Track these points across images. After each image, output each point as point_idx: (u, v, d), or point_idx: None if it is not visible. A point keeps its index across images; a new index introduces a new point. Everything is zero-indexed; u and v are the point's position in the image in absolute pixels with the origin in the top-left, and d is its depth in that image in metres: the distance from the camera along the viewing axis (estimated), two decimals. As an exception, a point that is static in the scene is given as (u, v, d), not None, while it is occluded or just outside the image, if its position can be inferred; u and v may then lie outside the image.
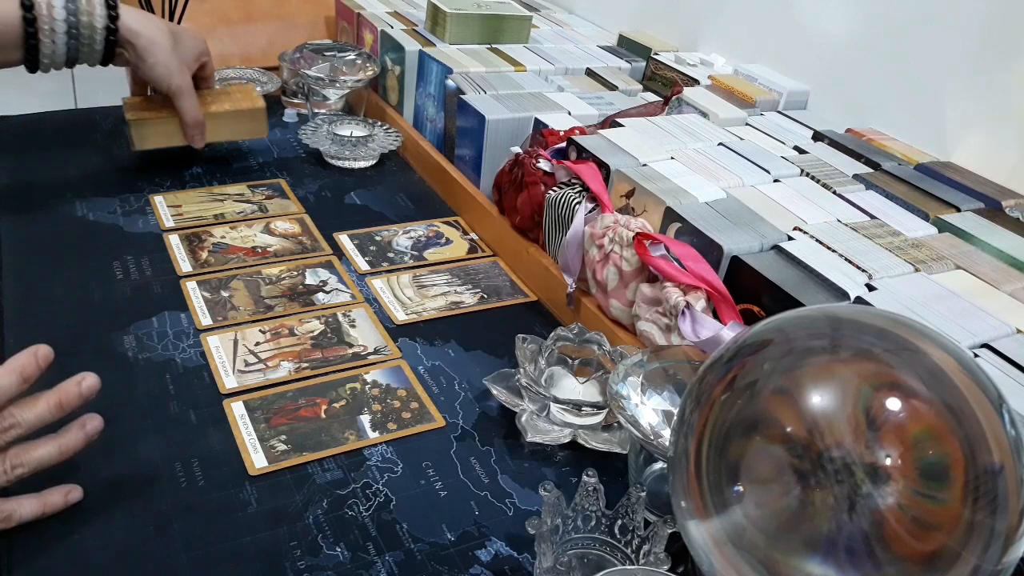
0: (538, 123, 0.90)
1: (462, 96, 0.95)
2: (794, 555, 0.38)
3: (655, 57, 1.09)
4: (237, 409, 0.64)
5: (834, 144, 0.86)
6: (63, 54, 0.81)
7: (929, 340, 0.41)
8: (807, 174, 0.79)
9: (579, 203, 0.76)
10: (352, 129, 1.06)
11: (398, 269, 0.85)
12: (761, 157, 0.81)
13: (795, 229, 0.69)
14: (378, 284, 0.82)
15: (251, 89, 1.00)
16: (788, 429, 0.39)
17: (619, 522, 0.54)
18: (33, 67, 0.81)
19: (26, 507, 0.51)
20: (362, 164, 1.05)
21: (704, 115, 0.92)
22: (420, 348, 0.74)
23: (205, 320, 0.73)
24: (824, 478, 0.37)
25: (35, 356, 0.50)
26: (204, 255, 0.82)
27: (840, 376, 0.40)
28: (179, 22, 1.06)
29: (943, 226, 0.72)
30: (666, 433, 0.54)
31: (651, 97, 1.03)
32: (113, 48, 0.83)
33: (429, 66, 1.04)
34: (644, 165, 0.78)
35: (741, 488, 0.40)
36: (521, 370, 0.65)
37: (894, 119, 0.90)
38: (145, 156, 0.97)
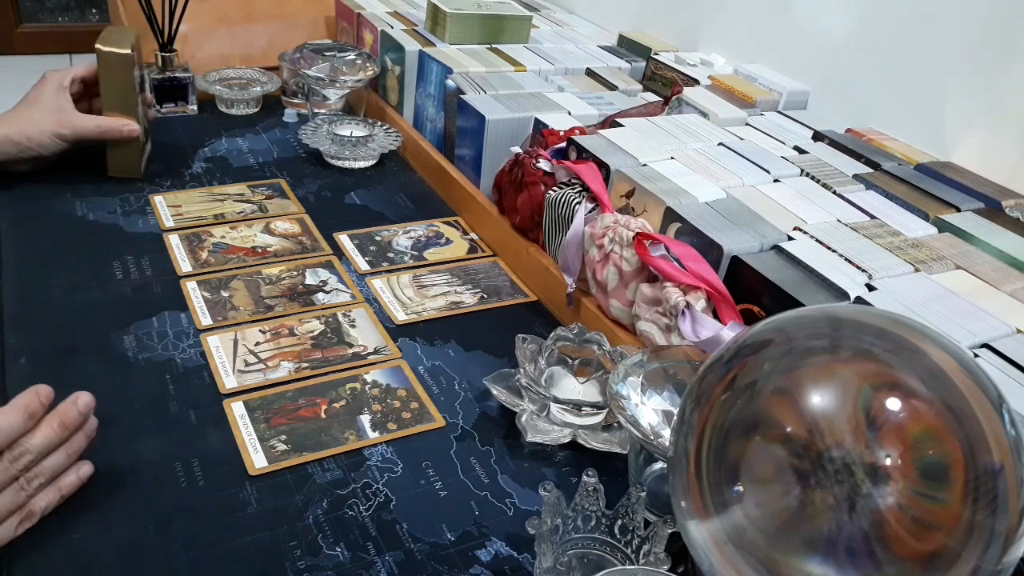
0: (538, 123, 0.90)
1: (462, 96, 0.95)
2: (794, 555, 0.38)
3: (655, 57, 1.09)
4: (237, 409, 0.64)
5: (834, 144, 0.86)
6: None
7: (929, 340, 0.41)
8: (807, 174, 0.79)
9: (579, 203, 0.76)
10: (352, 129, 1.06)
11: (398, 269, 0.85)
12: (761, 157, 0.81)
13: (795, 229, 0.69)
14: (378, 284, 0.82)
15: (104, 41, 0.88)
16: (788, 429, 0.39)
17: (619, 522, 0.54)
18: None
19: (44, 499, 0.52)
20: (362, 164, 1.05)
21: (704, 115, 0.92)
22: (420, 348, 0.74)
23: (205, 320, 0.73)
24: (824, 478, 0.37)
25: (37, 395, 0.52)
26: (204, 255, 0.82)
27: (840, 376, 0.40)
28: (179, 22, 1.06)
29: (943, 226, 0.72)
30: (666, 433, 0.54)
31: (651, 97, 1.03)
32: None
33: (429, 66, 1.04)
34: (644, 165, 0.78)
35: (741, 488, 0.40)
36: (521, 370, 0.65)
37: (894, 119, 0.90)
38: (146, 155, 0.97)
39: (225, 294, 0.77)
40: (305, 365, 0.70)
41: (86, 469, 0.55)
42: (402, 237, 0.91)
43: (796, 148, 0.85)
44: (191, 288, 0.77)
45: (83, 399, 0.54)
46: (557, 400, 0.64)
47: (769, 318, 0.46)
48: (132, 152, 0.92)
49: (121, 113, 0.89)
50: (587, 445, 0.63)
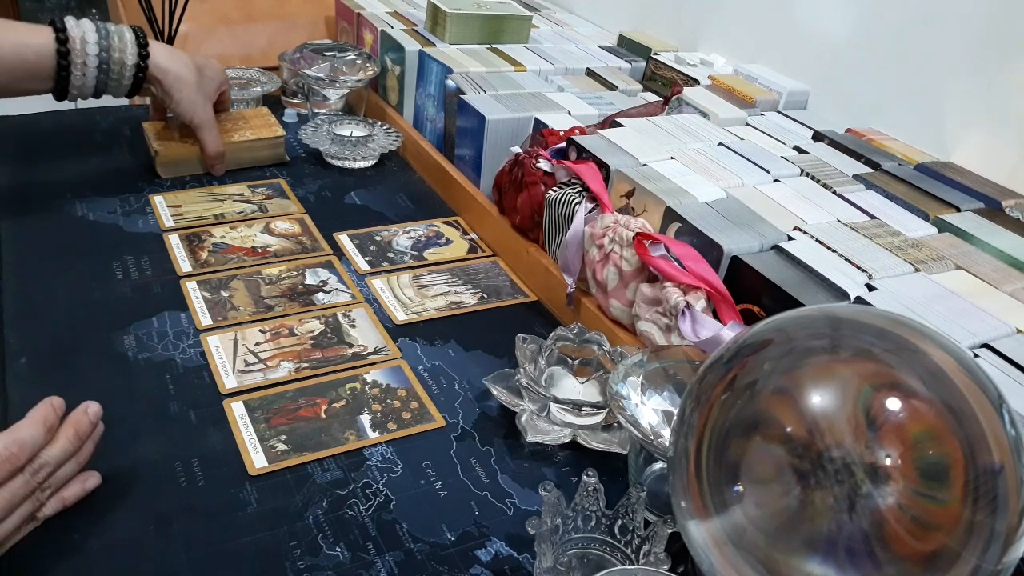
0: (538, 123, 0.90)
1: (462, 96, 0.95)
2: (794, 555, 0.38)
3: (655, 57, 1.09)
4: (237, 409, 0.64)
5: (834, 144, 0.86)
6: (92, 86, 0.84)
7: (929, 340, 0.41)
8: (807, 174, 0.79)
9: (579, 203, 0.76)
10: (352, 129, 1.06)
11: (398, 269, 0.85)
12: (761, 157, 0.81)
13: (795, 229, 0.69)
14: (378, 284, 0.82)
15: (268, 115, 1.03)
16: (788, 429, 0.39)
17: (619, 522, 0.54)
18: (61, 96, 0.84)
19: (49, 507, 0.52)
20: (362, 164, 1.05)
21: (704, 115, 0.92)
22: (420, 348, 0.74)
23: (205, 320, 0.73)
24: (824, 478, 0.37)
25: (52, 407, 0.53)
26: (204, 255, 0.82)
27: (840, 376, 0.40)
28: (179, 23, 1.06)
29: (943, 226, 0.72)
30: (666, 433, 0.54)
31: (651, 97, 1.03)
32: (140, 83, 0.86)
33: (429, 66, 1.04)
34: (644, 165, 0.78)
35: (741, 488, 0.40)
36: (521, 370, 0.65)
37: (894, 119, 0.90)
38: (145, 156, 0.97)
39: (225, 294, 0.77)
40: (305, 365, 0.70)
41: (92, 481, 0.55)
42: (402, 237, 0.91)
43: (796, 148, 0.85)
44: (191, 288, 0.77)
45: (92, 408, 0.55)
46: (557, 400, 0.64)
47: (769, 318, 0.46)
48: (184, 169, 0.96)
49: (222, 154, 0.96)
50: (587, 445, 0.63)
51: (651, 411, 0.56)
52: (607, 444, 0.63)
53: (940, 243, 0.69)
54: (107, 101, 0.99)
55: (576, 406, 0.63)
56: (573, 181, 0.79)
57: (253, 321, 0.74)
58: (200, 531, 0.54)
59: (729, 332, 0.60)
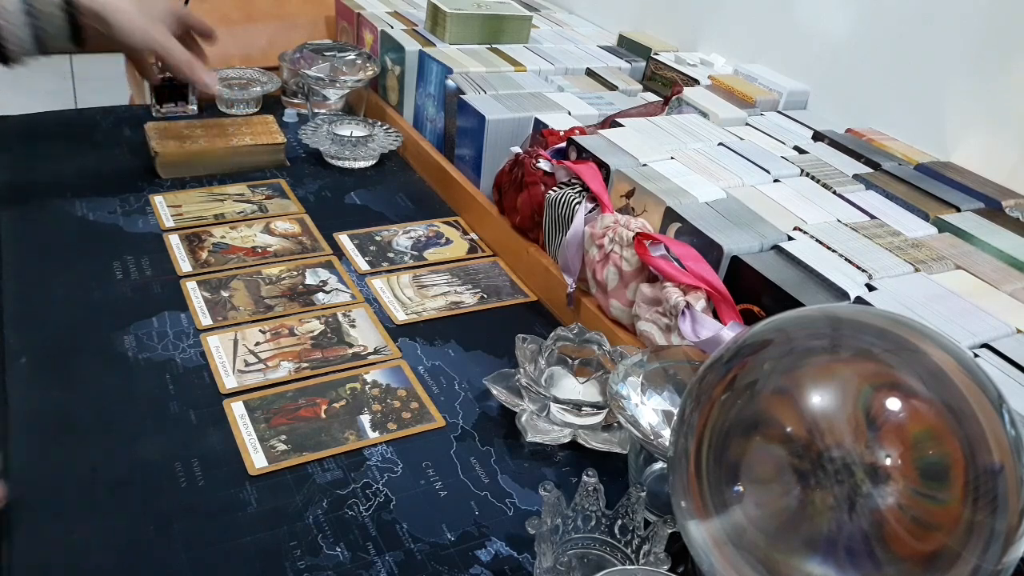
0: (538, 123, 0.90)
1: (462, 96, 0.95)
2: (794, 555, 0.38)
3: (655, 57, 1.09)
4: (237, 409, 0.64)
5: (834, 144, 0.86)
6: (29, 38, 0.78)
7: (929, 340, 0.41)
8: (807, 174, 0.79)
9: (579, 203, 0.76)
10: (352, 129, 1.06)
11: (398, 269, 0.85)
12: (761, 157, 0.81)
13: (795, 229, 0.69)
14: (378, 284, 0.82)
15: (272, 123, 1.04)
16: (788, 429, 0.39)
17: (619, 522, 0.54)
18: (5, 59, 0.79)
19: None
20: (362, 164, 1.05)
21: (704, 115, 0.92)
22: (420, 348, 0.74)
23: (205, 320, 0.73)
24: (824, 478, 0.37)
25: None
26: (204, 255, 0.82)
27: (840, 376, 0.40)
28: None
29: (943, 226, 0.72)
30: (666, 433, 0.54)
31: (651, 97, 1.03)
32: (77, 23, 0.80)
33: (429, 66, 1.04)
34: (644, 165, 0.78)
35: (741, 488, 0.40)
36: (521, 370, 0.65)
37: (894, 119, 0.90)
38: (145, 156, 0.97)
39: (225, 294, 0.77)
40: (305, 365, 0.70)
41: None
42: (402, 237, 0.91)
43: (796, 148, 0.85)
44: (191, 288, 0.77)
45: None
46: (557, 400, 0.64)
47: (769, 318, 0.46)
48: (184, 170, 0.96)
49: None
50: (587, 445, 0.63)
51: (651, 411, 0.56)
52: (607, 444, 0.63)
53: (940, 243, 0.69)
54: (107, 101, 1.00)
55: (576, 406, 0.63)
56: (573, 181, 0.79)
57: (253, 321, 0.74)
58: (200, 531, 0.54)
59: (729, 332, 0.60)
